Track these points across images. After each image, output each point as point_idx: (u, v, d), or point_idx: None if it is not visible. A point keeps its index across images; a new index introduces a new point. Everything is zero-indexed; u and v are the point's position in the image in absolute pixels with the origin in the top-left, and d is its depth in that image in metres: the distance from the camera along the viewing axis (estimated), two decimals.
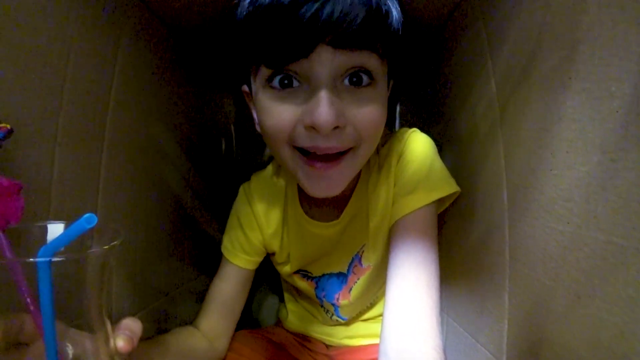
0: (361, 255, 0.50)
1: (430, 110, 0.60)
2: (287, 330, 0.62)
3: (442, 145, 0.50)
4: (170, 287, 0.52)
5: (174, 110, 0.54)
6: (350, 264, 0.51)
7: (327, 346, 0.59)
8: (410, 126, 0.48)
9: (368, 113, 0.34)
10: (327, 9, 0.30)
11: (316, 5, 0.30)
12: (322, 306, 0.56)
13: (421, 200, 0.41)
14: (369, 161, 0.45)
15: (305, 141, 0.34)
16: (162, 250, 0.50)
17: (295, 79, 0.34)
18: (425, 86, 0.62)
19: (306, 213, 0.49)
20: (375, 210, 0.46)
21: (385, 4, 0.34)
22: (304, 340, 0.60)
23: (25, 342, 0.22)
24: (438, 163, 0.44)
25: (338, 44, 0.32)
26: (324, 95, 0.32)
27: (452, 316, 0.48)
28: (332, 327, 0.59)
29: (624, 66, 0.22)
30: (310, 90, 0.33)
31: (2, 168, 0.27)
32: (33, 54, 0.29)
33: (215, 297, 0.49)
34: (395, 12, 0.35)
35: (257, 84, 0.36)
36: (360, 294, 0.52)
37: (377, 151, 0.46)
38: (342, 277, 0.52)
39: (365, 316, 0.58)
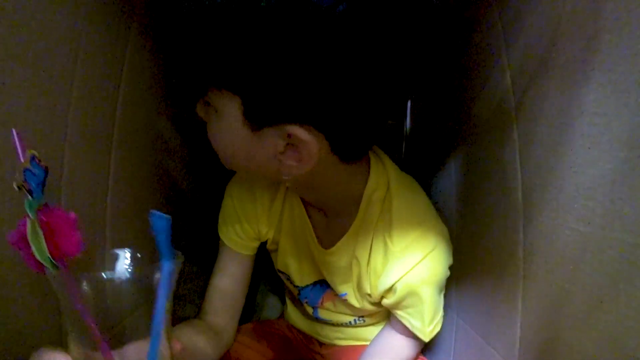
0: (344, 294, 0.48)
1: (442, 106, 0.59)
2: (290, 324, 0.61)
3: (455, 141, 0.49)
4: (178, 284, 0.51)
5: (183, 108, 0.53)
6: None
7: (320, 344, 0.59)
8: (423, 121, 0.46)
9: (210, 136, 0.37)
10: None
11: None
12: (302, 305, 0.55)
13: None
14: (365, 215, 0.44)
15: None
16: None
17: None
18: (437, 80, 0.60)
19: (306, 210, 0.47)
20: (368, 278, 0.45)
21: None
22: (304, 336, 0.60)
23: None
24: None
25: None
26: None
27: (462, 317, 0.46)
28: (322, 327, 0.58)
29: None
30: None
31: (10, 169, 0.26)
32: (42, 53, 0.28)
33: (217, 288, 0.49)
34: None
35: None
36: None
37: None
38: (326, 284, 0.50)
39: (347, 333, 0.56)
